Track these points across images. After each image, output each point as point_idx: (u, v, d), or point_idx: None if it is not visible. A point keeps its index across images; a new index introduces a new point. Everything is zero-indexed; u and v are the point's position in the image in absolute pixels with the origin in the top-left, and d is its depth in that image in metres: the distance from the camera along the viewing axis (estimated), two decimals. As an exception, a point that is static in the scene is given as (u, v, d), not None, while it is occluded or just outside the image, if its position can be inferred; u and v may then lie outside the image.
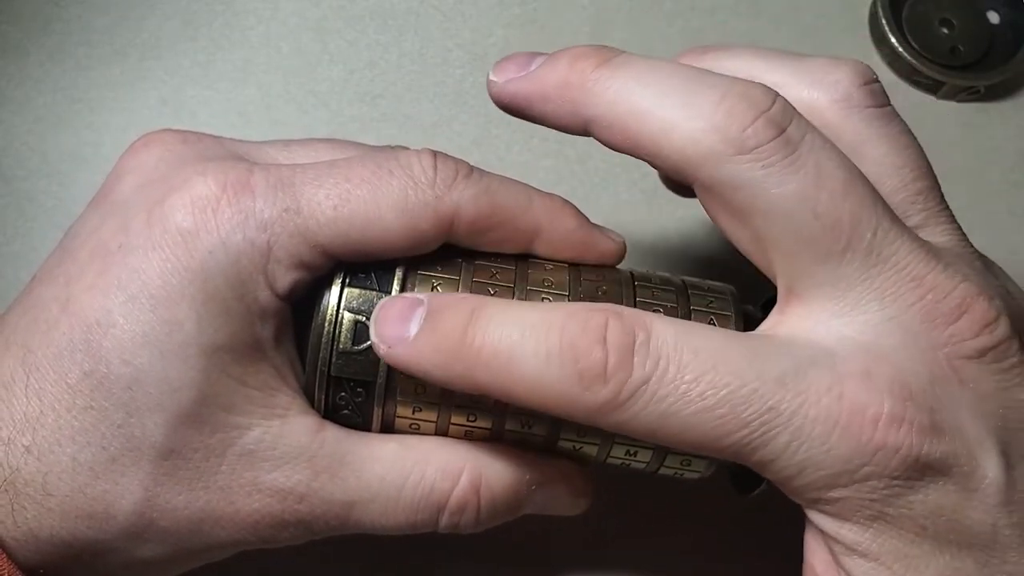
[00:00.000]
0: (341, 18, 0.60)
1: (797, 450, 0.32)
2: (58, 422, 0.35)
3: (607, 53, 0.37)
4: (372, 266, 0.39)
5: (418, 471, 0.39)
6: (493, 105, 0.57)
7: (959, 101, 0.61)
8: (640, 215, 0.57)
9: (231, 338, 0.36)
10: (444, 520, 0.39)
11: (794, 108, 0.35)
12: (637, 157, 0.36)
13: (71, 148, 0.56)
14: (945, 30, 0.61)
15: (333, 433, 0.38)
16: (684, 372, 0.32)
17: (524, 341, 0.34)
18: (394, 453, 0.39)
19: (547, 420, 0.39)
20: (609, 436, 0.39)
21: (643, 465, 0.41)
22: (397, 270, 0.39)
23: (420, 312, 0.35)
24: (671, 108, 0.35)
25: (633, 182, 0.58)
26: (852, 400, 0.32)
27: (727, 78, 0.35)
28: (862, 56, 0.61)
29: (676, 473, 0.41)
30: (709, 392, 0.32)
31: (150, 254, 0.36)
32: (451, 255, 0.40)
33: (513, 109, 0.40)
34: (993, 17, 0.62)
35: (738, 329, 0.39)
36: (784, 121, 0.34)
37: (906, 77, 0.61)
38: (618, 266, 0.42)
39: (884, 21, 0.60)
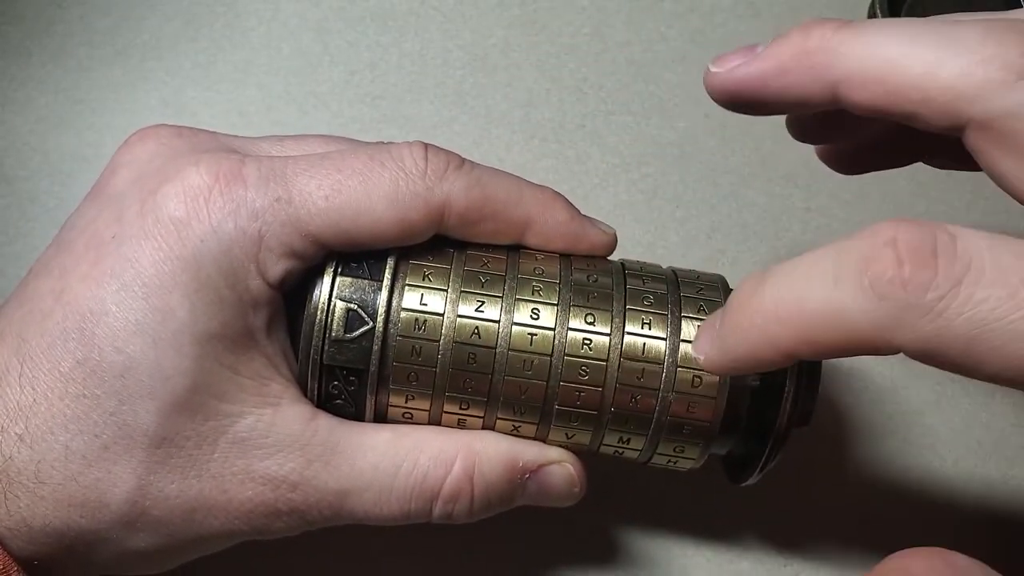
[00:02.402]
0: (342, 19, 0.60)
1: None
2: (51, 410, 0.35)
3: (842, 20, 0.34)
4: (364, 256, 0.39)
5: (411, 459, 0.39)
6: (493, 105, 0.57)
7: (958, 101, 0.60)
8: (640, 215, 0.57)
9: (223, 326, 0.36)
10: (438, 509, 0.39)
11: None
12: (893, 114, 0.33)
13: (73, 148, 0.56)
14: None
15: (326, 422, 0.38)
16: (1004, 274, 0.28)
17: (807, 277, 0.31)
18: (387, 442, 0.39)
19: (538, 409, 0.39)
20: (602, 423, 0.39)
21: (636, 454, 0.41)
22: (389, 259, 0.39)
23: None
24: (932, 49, 0.32)
25: (633, 182, 0.57)
26: None
27: (980, 18, 0.33)
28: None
29: (669, 462, 0.41)
30: None
31: (143, 243, 0.36)
32: (443, 245, 0.40)
33: (743, 95, 0.37)
34: (992, 18, 0.61)
35: None
36: None
37: (905, 77, 0.60)
38: (609, 257, 0.42)
39: (883, 22, 0.60)
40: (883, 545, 0.49)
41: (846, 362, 0.54)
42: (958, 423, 0.53)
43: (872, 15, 0.61)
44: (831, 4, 0.63)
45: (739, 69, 0.36)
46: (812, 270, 0.31)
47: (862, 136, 0.43)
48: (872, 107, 0.33)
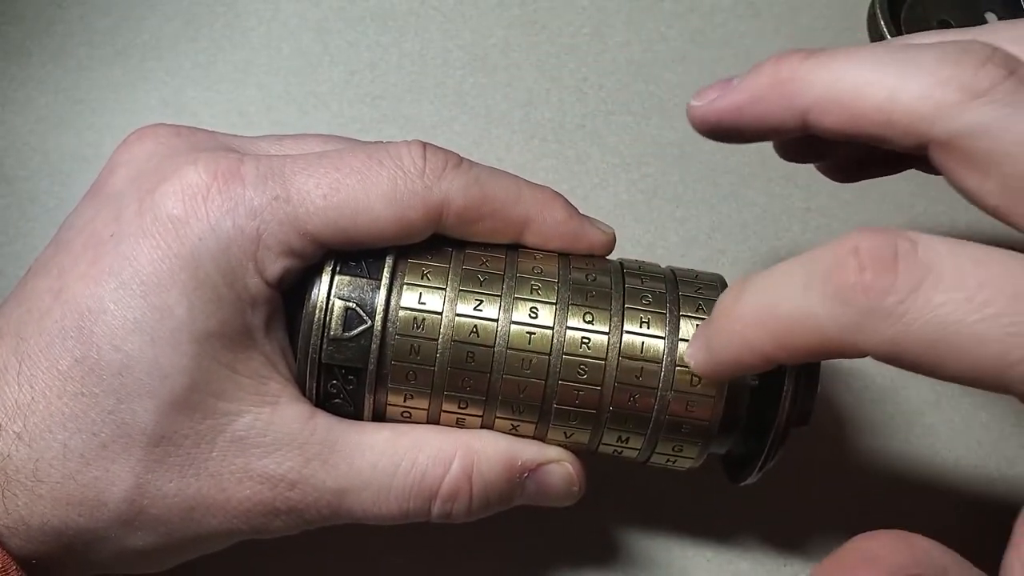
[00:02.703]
0: (342, 19, 0.60)
1: None
2: (49, 409, 0.35)
3: (808, 50, 0.36)
4: (362, 254, 0.39)
5: (410, 458, 0.39)
6: (493, 105, 0.57)
7: (958, 101, 0.60)
8: (640, 215, 0.57)
9: (222, 325, 0.36)
10: (436, 508, 0.39)
11: (1012, 55, 0.33)
12: (860, 138, 0.35)
13: (73, 148, 0.56)
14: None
15: (324, 420, 0.38)
16: (961, 279, 0.29)
17: (778, 285, 0.32)
18: (386, 440, 0.39)
19: (537, 408, 0.39)
20: (600, 422, 0.39)
21: (635, 453, 0.41)
22: (387, 258, 0.39)
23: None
24: (893, 75, 0.33)
25: (633, 182, 0.57)
26: None
27: (936, 42, 0.34)
28: (861, 57, 0.61)
29: (668, 461, 0.41)
30: (994, 299, 0.28)
31: (141, 242, 0.36)
32: (441, 245, 0.40)
33: (722, 125, 0.38)
34: (991, 18, 0.62)
35: None
36: (1011, 62, 0.32)
37: (905, 78, 0.60)
38: (607, 257, 0.42)
39: (883, 22, 0.60)
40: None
41: (846, 362, 0.53)
42: (958, 423, 0.53)
43: (872, 15, 0.61)
44: (831, 4, 0.63)
45: (717, 101, 0.38)
46: (785, 278, 0.32)
47: (845, 153, 0.44)
48: (840, 131, 0.35)
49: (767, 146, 0.54)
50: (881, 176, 0.45)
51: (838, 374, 0.53)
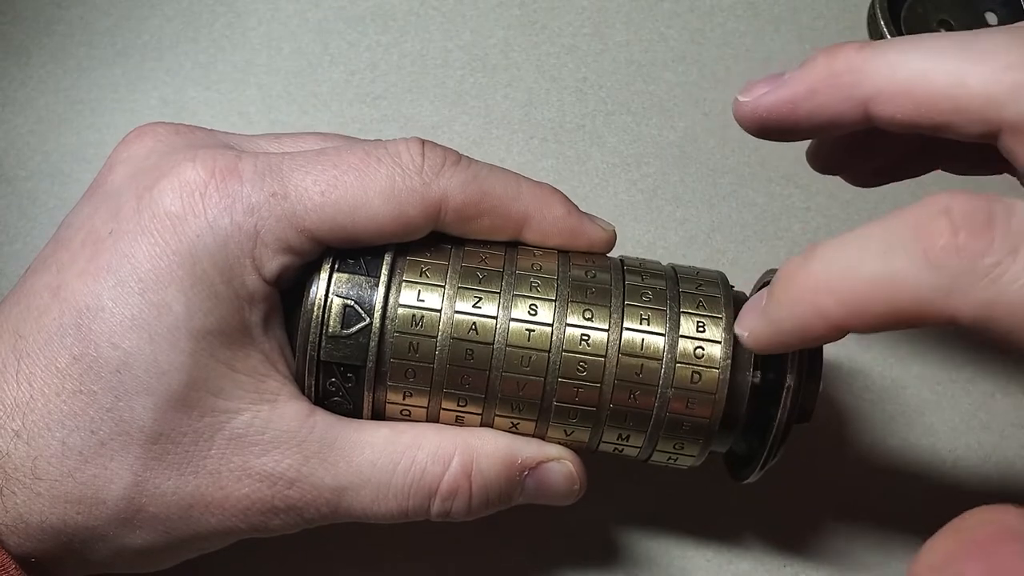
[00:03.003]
0: (342, 19, 0.60)
1: None
2: (47, 406, 0.35)
3: (861, 42, 0.35)
4: (361, 252, 0.39)
5: (409, 456, 0.39)
6: (493, 105, 0.57)
7: (958, 101, 0.60)
8: (640, 215, 0.57)
9: (219, 322, 0.36)
10: (436, 506, 0.39)
11: None
12: (925, 126, 0.33)
13: (73, 148, 0.56)
14: (943, 31, 0.60)
15: (323, 418, 0.38)
16: None
17: (859, 248, 0.30)
18: (385, 438, 0.39)
19: (537, 406, 0.39)
20: (601, 420, 0.39)
21: (636, 451, 0.41)
22: (386, 256, 0.39)
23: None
24: (956, 60, 0.32)
25: (633, 182, 0.57)
26: None
27: (994, 28, 0.33)
28: (861, 57, 0.61)
29: (669, 459, 0.41)
30: None
31: (139, 239, 0.36)
32: (440, 242, 0.40)
33: (773, 121, 0.37)
34: (991, 18, 0.62)
35: (727, 314, 0.39)
36: None
37: (905, 78, 0.60)
38: (608, 254, 0.42)
39: (883, 22, 0.60)
40: (884, 545, 0.49)
41: (846, 363, 0.53)
42: (958, 423, 0.53)
43: (872, 15, 0.61)
44: (830, 4, 0.63)
45: (768, 96, 0.36)
46: (863, 241, 0.30)
47: (885, 155, 0.42)
48: (904, 121, 0.33)
49: (767, 146, 0.54)
50: (906, 178, 0.44)
51: (839, 375, 0.53)
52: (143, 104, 0.57)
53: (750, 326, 0.34)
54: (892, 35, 0.59)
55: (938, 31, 0.60)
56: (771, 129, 0.37)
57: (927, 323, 0.30)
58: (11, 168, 0.55)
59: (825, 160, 0.44)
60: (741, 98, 0.37)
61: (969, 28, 0.57)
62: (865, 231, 0.31)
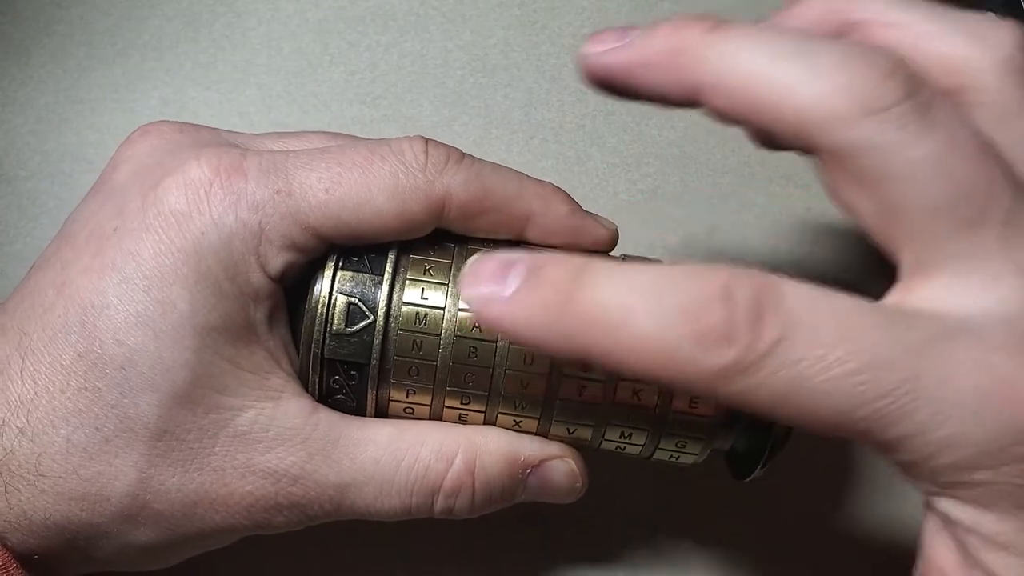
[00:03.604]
0: (342, 19, 0.60)
1: (940, 425, 0.28)
2: (52, 403, 0.35)
3: (714, 19, 0.32)
4: (365, 250, 0.39)
5: (412, 453, 0.39)
6: (493, 105, 0.57)
7: (958, 102, 0.60)
8: (640, 215, 0.57)
9: (224, 319, 0.36)
10: (439, 504, 0.39)
11: (920, 73, 0.31)
12: (750, 125, 0.33)
13: (73, 148, 0.56)
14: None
15: (327, 416, 0.38)
16: (820, 335, 0.28)
17: (637, 300, 0.29)
18: (388, 436, 0.39)
19: (540, 404, 0.39)
20: (604, 418, 0.39)
21: (638, 449, 0.41)
22: (390, 253, 0.39)
23: (518, 269, 0.30)
24: (791, 70, 0.30)
25: (633, 182, 0.57)
26: (1003, 373, 0.28)
27: (847, 42, 0.32)
28: (860, 57, 0.61)
29: (671, 457, 0.41)
30: (848, 357, 0.28)
31: (144, 236, 0.36)
32: (444, 240, 0.40)
33: (609, 82, 0.35)
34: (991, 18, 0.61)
35: None
36: (913, 83, 0.30)
37: (904, 78, 0.60)
38: (610, 253, 0.42)
39: (882, 22, 0.60)
40: (884, 546, 0.49)
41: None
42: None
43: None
44: (830, 4, 0.63)
45: (608, 55, 0.34)
46: (640, 291, 0.29)
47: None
48: (730, 116, 0.33)
49: (767, 145, 0.54)
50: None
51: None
52: (143, 104, 0.57)
53: (485, 301, 0.31)
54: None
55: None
56: (609, 88, 0.35)
57: (685, 390, 0.32)
58: (11, 168, 0.55)
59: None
60: (585, 50, 0.35)
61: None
62: (641, 278, 0.29)
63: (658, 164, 0.58)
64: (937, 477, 0.29)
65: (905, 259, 0.31)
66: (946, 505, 0.30)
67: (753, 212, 0.57)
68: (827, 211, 0.57)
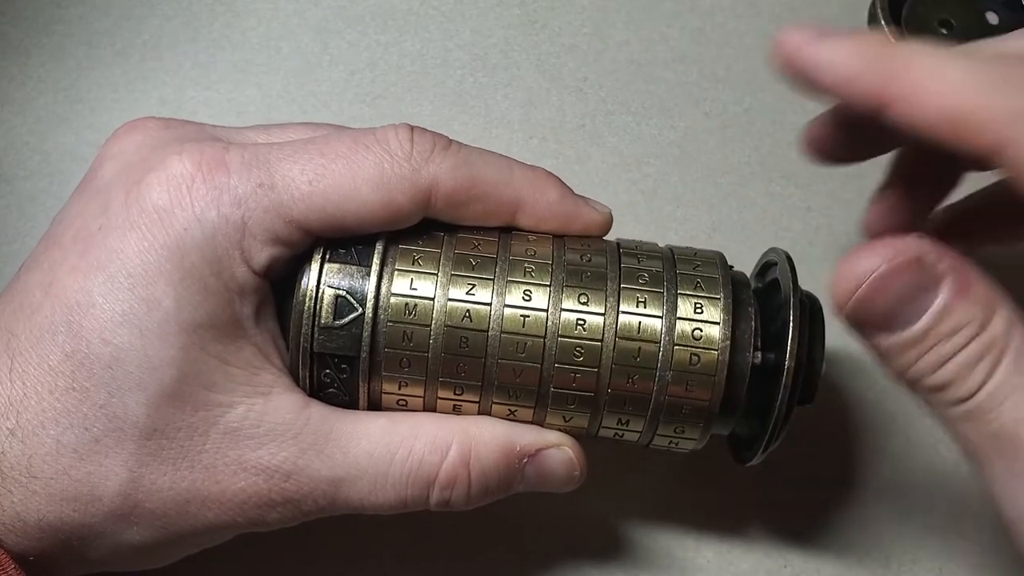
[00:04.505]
0: (342, 19, 0.60)
1: None
2: (41, 404, 0.35)
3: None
4: (352, 241, 0.38)
5: (406, 446, 0.38)
6: (493, 105, 0.57)
7: (959, 101, 0.59)
8: (640, 215, 0.56)
9: (210, 316, 0.36)
10: (435, 496, 0.39)
11: None
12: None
13: (72, 148, 0.55)
14: (944, 31, 0.60)
15: (319, 410, 0.38)
16: None
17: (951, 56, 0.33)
18: (382, 429, 0.38)
19: (534, 392, 0.38)
20: (600, 405, 0.39)
21: (636, 436, 0.40)
22: (378, 244, 0.38)
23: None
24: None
25: (633, 182, 0.57)
26: None
27: None
28: (861, 57, 0.60)
29: (670, 444, 0.40)
30: None
31: (128, 233, 0.36)
32: (433, 229, 0.39)
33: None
34: (992, 18, 0.61)
35: (725, 294, 0.39)
36: None
37: (905, 78, 0.60)
38: (604, 238, 0.42)
39: (883, 22, 0.59)
40: (885, 546, 0.48)
41: (847, 363, 0.53)
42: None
43: (872, 14, 0.61)
44: (831, 4, 0.62)
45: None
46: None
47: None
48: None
49: (767, 146, 0.54)
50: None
51: (841, 373, 0.53)
52: (142, 104, 0.57)
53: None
54: (893, 35, 0.59)
55: (939, 31, 0.60)
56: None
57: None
58: (10, 168, 0.55)
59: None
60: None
61: (970, 28, 0.57)
62: None
63: (658, 164, 0.57)
64: None
65: None
66: None
67: (753, 212, 0.57)
68: (827, 211, 0.57)
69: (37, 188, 0.55)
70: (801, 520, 0.50)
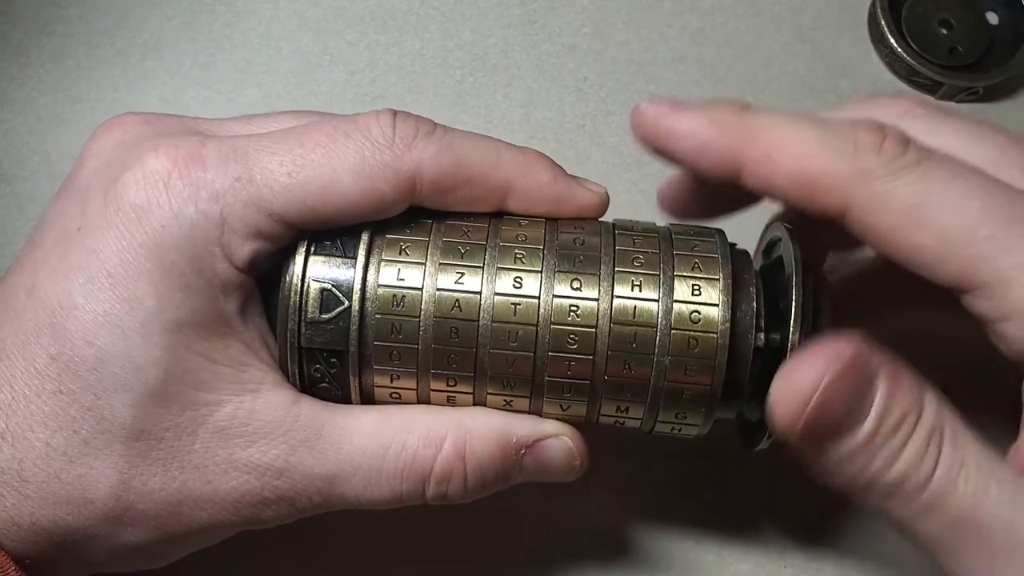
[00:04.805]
0: (342, 19, 0.59)
1: None
2: (29, 408, 0.35)
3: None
4: (338, 233, 0.37)
5: (399, 440, 0.38)
6: (493, 105, 0.57)
7: (958, 102, 0.59)
8: (640, 215, 0.56)
9: (194, 313, 0.35)
10: (431, 490, 0.38)
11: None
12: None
13: (72, 148, 0.54)
14: (944, 31, 0.60)
15: (309, 406, 0.37)
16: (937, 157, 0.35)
17: (798, 122, 0.36)
18: (374, 423, 0.38)
19: (528, 382, 0.38)
20: (597, 392, 0.38)
21: (637, 423, 0.39)
22: (363, 235, 0.37)
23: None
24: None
25: (633, 182, 0.57)
26: None
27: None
28: (861, 57, 0.60)
29: (673, 430, 0.40)
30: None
31: (106, 233, 0.35)
32: (421, 217, 0.38)
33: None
34: (992, 18, 0.61)
35: (725, 274, 0.38)
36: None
37: (905, 78, 0.60)
38: (601, 219, 0.41)
39: (883, 22, 0.59)
40: (886, 547, 0.48)
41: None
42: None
43: (872, 14, 0.60)
44: (831, 4, 0.62)
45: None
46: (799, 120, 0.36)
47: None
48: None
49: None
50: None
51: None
52: (142, 104, 0.56)
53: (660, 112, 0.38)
54: (893, 35, 0.59)
55: (939, 31, 0.60)
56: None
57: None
58: (10, 168, 0.55)
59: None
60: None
61: (970, 28, 0.57)
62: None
63: (658, 164, 0.57)
64: None
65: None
66: None
67: (753, 212, 0.56)
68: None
69: (37, 188, 0.54)
70: (801, 520, 0.49)
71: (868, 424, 0.33)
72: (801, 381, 0.33)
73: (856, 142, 0.35)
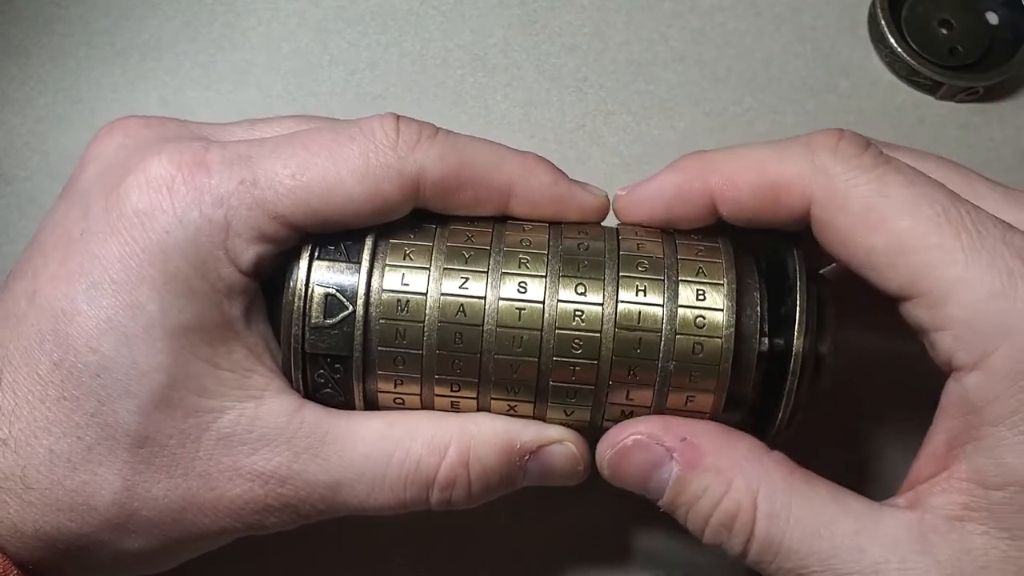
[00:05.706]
0: (342, 19, 0.59)
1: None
2: (32, 414, 0.35)
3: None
4: (342, 237, 0.37)
5: (403, 447, 0.37)
6: (493, 105, 0.57)
7: (958, 102, 0.59)
8: (640, 215, 0.56)
9: (197, 318, 0.35)
10: (435, 496, 0.38)
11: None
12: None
13: (72, 148, 0.55)
14: (944, 31, 0.59)
15: (313, 413, 0.37)
16: None
17: (754, 145, 0.39)
18: (378, 430, 0.38)
19: (532, 387, 0.37)
20: (601, 399, 0.38)
21: None
22: (367, 240, 0.37)
23: None
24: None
25: (633, 182, 0.56)
26: None
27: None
28: (861, 57, 0.60)
29: None
30: None
31: (109, 239, 0.35)
32: (425, 222, 0.38)
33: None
34: (992, 18, 0.60)
35: (729, 279, 0.38)
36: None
37: (905, 78, 0.59)
38: (602, 224, 0.41)
39: (883, 22, 0.59)
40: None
41: (849, 362, 0.52)
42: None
43: (872, 14, 0.60)
44: (831, 4, 0.61)
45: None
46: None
47: None
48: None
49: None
50: None
51: (843, 372, 0.52)
52: (143, 104, 0.56)
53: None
54: (893, 35, 0.58)
55: (939, 31, 0.59)
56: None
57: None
58: (10, 168, 0.54)
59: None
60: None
61: (970, 28, 0.56)
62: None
63: (658, 164, 0.56)
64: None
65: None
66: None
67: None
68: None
69: (37, 188, 0.54)
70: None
71: (666, 494, 0.37)
72: (615, 436, 0.38)
73: (811, 144, 0.36)
